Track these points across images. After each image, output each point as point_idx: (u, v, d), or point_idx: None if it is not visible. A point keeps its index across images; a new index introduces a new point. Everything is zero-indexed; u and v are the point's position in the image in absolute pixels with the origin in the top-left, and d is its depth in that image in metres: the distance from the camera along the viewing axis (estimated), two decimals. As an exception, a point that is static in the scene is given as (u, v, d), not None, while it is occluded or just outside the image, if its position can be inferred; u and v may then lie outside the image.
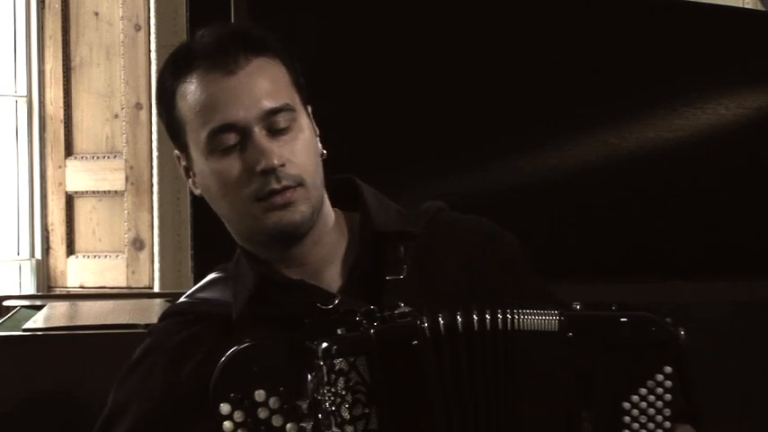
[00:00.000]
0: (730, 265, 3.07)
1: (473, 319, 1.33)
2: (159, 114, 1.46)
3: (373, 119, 2.70)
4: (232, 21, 2.36)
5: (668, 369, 1.32)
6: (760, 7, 4.30)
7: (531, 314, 1.34)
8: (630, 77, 2.99)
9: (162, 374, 1.43)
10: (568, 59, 2.93)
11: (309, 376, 1.30)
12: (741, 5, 4.25)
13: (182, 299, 1.52)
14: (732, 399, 2.62)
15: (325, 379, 1.29)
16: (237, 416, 1.31)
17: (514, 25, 2.91)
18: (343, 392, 1.29)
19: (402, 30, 2.77)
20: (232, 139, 1.37)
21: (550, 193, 2.92)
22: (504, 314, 1.34)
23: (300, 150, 1.39)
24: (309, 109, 1.47)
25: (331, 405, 1.29)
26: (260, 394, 1.31)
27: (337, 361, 1.29)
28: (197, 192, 1.46)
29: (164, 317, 1.51)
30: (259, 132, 1.37)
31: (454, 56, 2.81)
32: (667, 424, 1.33)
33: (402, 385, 1.31)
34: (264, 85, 1.38)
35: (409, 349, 1.31)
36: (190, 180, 1.46)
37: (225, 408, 1.31)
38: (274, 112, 1.38)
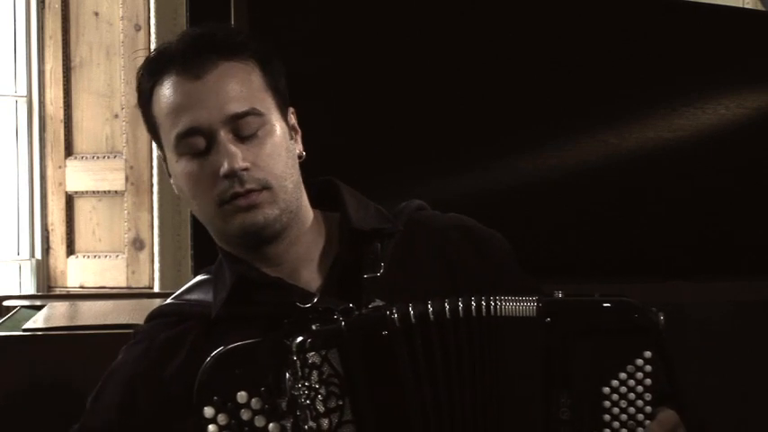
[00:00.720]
0: (730, 265, 3.07)
1: (445, 307, 1.34)
2: (142, 114, 1.48)
3: (373, 119, 2.70)
4: (232, 21, 2.36)
5: (648, 354, 1.33)
6: (760, 7, 4.30)
7: (507, 300, 1.35)
8: (630, 77, 2.99)
9: (145, 375, 1.45)
10: (568, 59, 2.93)
11: (288, 374, 1.31)
12: (741, 5, 4.25)
13: (168, 300, 1.54)
14: (732, 398, 2.62)
15: (300, 374, 1.31)
16: (221, 419, 1.32)
17: (514, 25, 2.90)
18: (317, 386, 1.30)
19: (403, 29, 2.77)
20: (200, 143, 1.39)
21: (550, 193, 2.92)
22: (478, 301, 1.35)
23: (268, 155, 1.40)
24: (290, 111, 1.47)
25: (306, 399, 1.30)
26: (242, 396, 1.32)
27: (310, 355, 1.31)
28: (175, 190, 1.48)
29: (149, 318, 1.53)
30: (224, 136, 1.38)
31: (454, 56, 2.81)
32: (648, 409, 1.33)
33: (374, 375, 1.32)
34: (231, 89, 1.39)
35: (380, 339, 1.32)
36: (171, 180, 1.47)
37: (208, 411, 1.32)
38: (240, 116, 1.39)
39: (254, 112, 1.39)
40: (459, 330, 1.34)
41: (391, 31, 2.76)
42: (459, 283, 1.46)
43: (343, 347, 1.32)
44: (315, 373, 1.30)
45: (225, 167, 1.37)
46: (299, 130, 1.49)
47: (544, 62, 2.90)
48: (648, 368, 1.33)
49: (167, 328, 1.48)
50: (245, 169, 1.38)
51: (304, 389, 1.30)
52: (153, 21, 4.22)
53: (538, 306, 1.34)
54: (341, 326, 1.33)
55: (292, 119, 1.48)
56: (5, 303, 2.88)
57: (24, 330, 2.24)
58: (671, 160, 3.06)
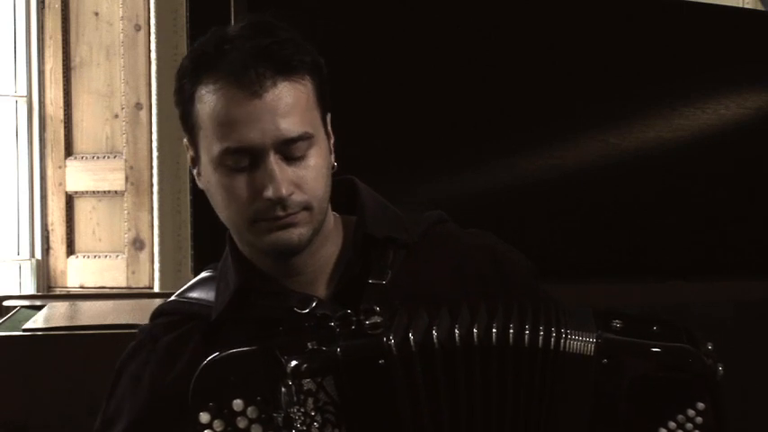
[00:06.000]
0: (730, 265, 3.07)
1: (454, 334, 1.30)
2: (175, 102, 1.43)
3: (375, 119, 2.70)
4: (231, 21, 2.36)
5: (701, 405, 1.28)
6: (760, 7, 4.30)
7: (567, 334, 1.29)
8: (631, 77, 2.99)
9: (150, 378, 1.44)
10: (569, 59, 2.93)
11: (284, 389, 1.29)
12: (741, 5, 4.25)
13: (171, 298, 1.52)
14: (732, 398, 2.62)
15: (295, 398, 1.28)
16: (217, 425, 1.30)
17: (515, 26, 2.91)
18: (313, 413, 1.28)
19: (404, 29, 2.77)
20: (245, 160, 1.36)
21: (550, 193, 2.92)
22: (501, 330, 1.30)
23: (313, 177, 1.37)
24: (329, 118, 1.44)
25: (302, 425, 1.28)
26: (238, 404, 1.30)
27: (305, 381, 1.28)
28: (200, 185, 1.44)
29: (153, 317, 1.51)
30: (273, 158, 1.35)
31: (455, 56, 2.81)
32: None
33: (371, 405, 1.29)
34: (287, 111, 1.35)
35: (376, 368, 1.29)
36: (195, 170, 1.44)
37: (204, 417, 1.31)
38: (292, 141, 1.35)
39: (306, 137, 1.36)
40: (473, 359, 1.30)
41: (393, 30, 2.76)
42: (473, 301, 1.40)
43: (338, 375, 1.29)
44: (310, 400, 1.28)
45: (270, 193, 1.34)
46: (332, 136, 1.46)
47: (544, 62, 2.91)
48: (700, 420, 1.28)
49: (170, 329, 1.47)
50: (290, 194, 1.35)
51: (300, 414, 1.28)
52: (153, 21, 4.21)
53: (597, 343, 1.28)
54: (336, 352, 1.30)
55: (328, 124, 1.45)
56: (5, 303, 2.88)
57: (24, 330, 2.24)
58: (671, 160, 3.06)
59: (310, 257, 1.43)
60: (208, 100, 1.36)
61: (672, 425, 1.28)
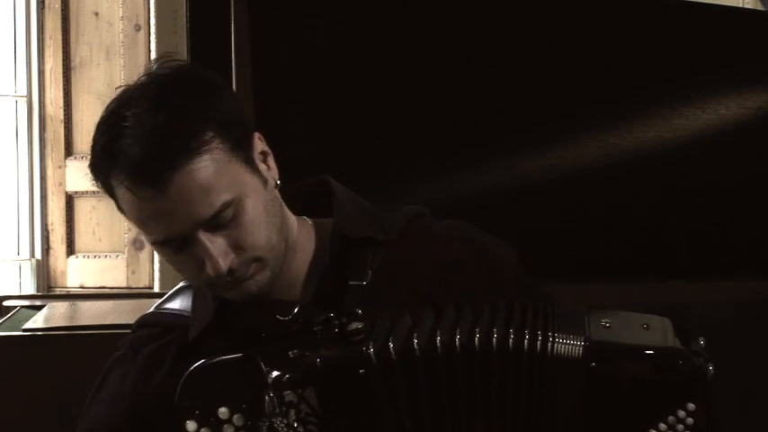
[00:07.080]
0: (730, 265, 3.07)
1: (436, 340, 1.28)
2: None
3: (375, 119, 2.70)
4: (232, 21, 2.35)
5: (692, 406, 1.27)
6: (760, 7, 4.30)
7: (552, 338, 1.28)
8: (631, 77, 2.99)
9: (131, 388, 1.43)
10: (569, 59, 2.93)
11: (267, 398, 1.29)
12: (741, 5, 4.25)
13: (151, 309, 1.51)
14: (732, 395, 2.62)
15: (277, 410, 1.28)
16: None
17: (516, 26, 2.91)
18: (295, 424, 1.28)
19: (404, 30, 2.77)
20: (177, 243, 1.33)
21: (550, 193, 2.92)
22: (485, 334, 1.28)
23: (249, 232, 1.33)
24: (256, 138, 1.37)
25: None
26: (224, 412, 1.30)
27: (287, 393, 1.27)
28: None
29: (133, 328, 1.50)
30: (202, 236, 1.31)
31: (455, 56, 2.81)
32: None
33: (352, 415, 1.28)
34: (197, 194, 1.29)
35: (356, 379, 1.27)
36: None
37: (191, 425, 1.30)
38: (214, 216, 1.30)
39: (225, 206, 1.31)
40: (456, 365, 1.28)
41: (393, 30, 2.76)
42: (458, 297, 1.38)
43: (319, 386, 1.28)
44: (292, 411, 1.27)
45: (210, 270, 1.32)
46: (270, 152, 1.39)
47: (545, 62, 2.91)
48: (690, 421, 1.27)
49: (150, 340, 1.46)
50: (231, 261, 1.32)
51: (283, 426, 1.28)
52: (153, 21, 4.22)
53: (585, 346, 1.27)
54: (316, 362, 1.28)
55: (260, 145, 1.38)
56: (5, 303, 2.88)
57: (24, 330, 2.25)
58: (671, 160, 3.06)
59: (281, 276, 1.40)
60: (121, 199, 1.32)
61: (662, 426, 1.27)
